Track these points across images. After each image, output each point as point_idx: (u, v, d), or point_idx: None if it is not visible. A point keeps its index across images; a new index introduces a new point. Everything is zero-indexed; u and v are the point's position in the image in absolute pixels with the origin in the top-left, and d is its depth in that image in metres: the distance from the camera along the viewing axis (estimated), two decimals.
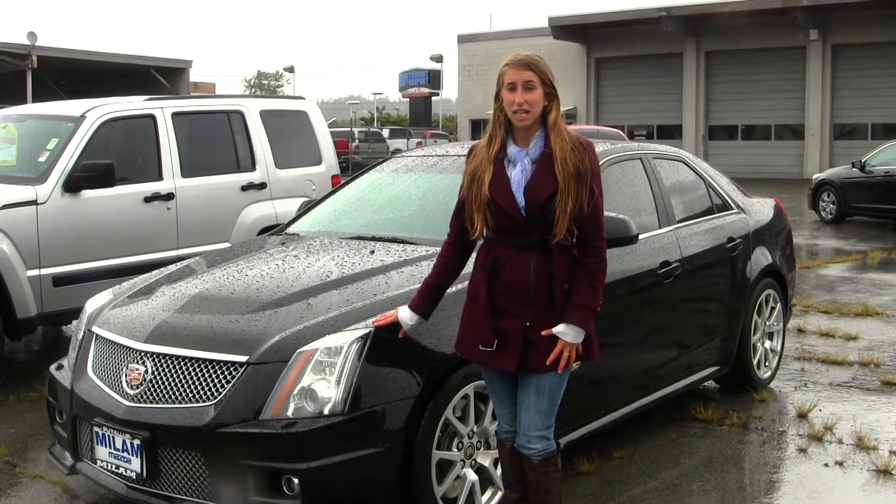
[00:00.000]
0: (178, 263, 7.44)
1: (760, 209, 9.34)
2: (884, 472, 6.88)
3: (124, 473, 5.63)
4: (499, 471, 5.88)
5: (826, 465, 7.08)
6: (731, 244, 8.40)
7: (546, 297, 4.84)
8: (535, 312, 4.84)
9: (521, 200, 4.81)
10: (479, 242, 5.07)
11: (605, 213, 6.59)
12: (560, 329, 4.81)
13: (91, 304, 6.64)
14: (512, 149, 4.91)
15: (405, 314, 5.23)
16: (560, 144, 4.81)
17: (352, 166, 43.07)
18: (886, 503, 6.48)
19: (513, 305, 4.86)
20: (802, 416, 8.10)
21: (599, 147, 7.69)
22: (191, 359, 5.51)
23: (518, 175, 4.84)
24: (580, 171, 4.77)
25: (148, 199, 10.44)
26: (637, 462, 7.14)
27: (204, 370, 5.45)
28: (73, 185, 9.70)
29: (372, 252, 6.53)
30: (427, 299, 5.23)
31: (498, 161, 4.90)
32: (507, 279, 4.87)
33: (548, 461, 5.06)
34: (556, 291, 4.84)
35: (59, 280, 9.54)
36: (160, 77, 50.48)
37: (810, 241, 21.68)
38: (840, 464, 7.07)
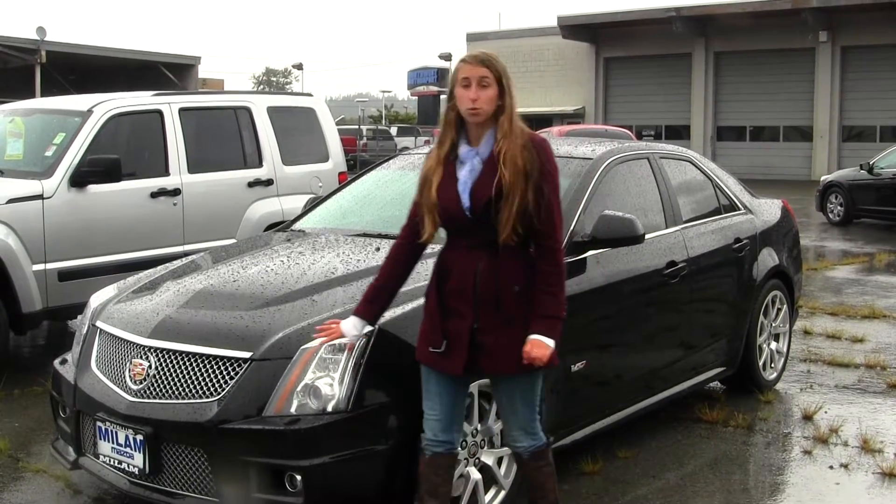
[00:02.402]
0: (183, 259, 7.42)
1: (768, 210, 9.31)
2: (889, 475, 6.86)
3: (127, 469, 5.63)
4: (503, 469, 5.88)
5: (831, 467, 7.06)
6: (737, 245, 8.38)
7: (494, 299, 4.78)
8: (483, 314, 4.79)
9: (465, 201, 4.77)
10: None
11: (612, 213, 6.63)
12: (536, 338, 4.74)
13: (95, 299, 6.64)
14: (463, 149, 4.87)
15: (349, 325, 5.11)
16: (509, 143, 4.76)
17: (359, 164, 43.10)
18: None
19: (460, 306, 4.82)
20: (808, 417, 8.08)
21: (606, 146, 7.69)
22: (194, 354, 5.50)
23: (466, 175, 4.81)
24: (528, 170, 4.72)
25: (154, 195, 10.44)
26: (641, 462, 7.12)
27: (207, 366, 5.44)
28: (79, 179, 9.70)
29: (377, 249, 6.51)
30: (374, 303, 5.13)
31: (448, 162, 4.87)
32: (455, 280, 4.84)
33: (537, 455, 5.05)
34: (505, 293, 4.78)
35: (64, 275, 9.54)
36: (169, 73, 50.46)
37: (818, 242, 21.64)
38: (845, 466, 7.06)
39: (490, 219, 4.72)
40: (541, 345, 4.73)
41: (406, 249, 5.11)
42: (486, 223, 4.74)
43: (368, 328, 5.16)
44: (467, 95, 4.76)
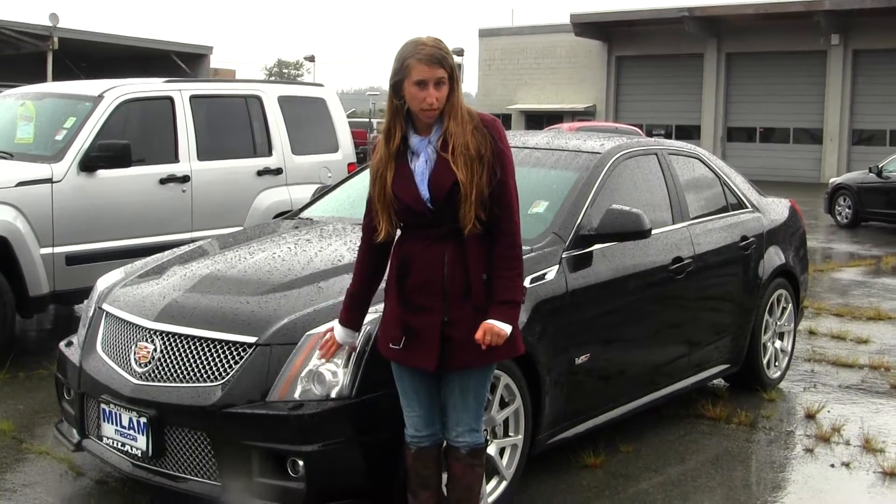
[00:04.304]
0: (191, 244, 7.44)
1: (775, 209, 9.31)
2: (890, 475, 6.86)
3: (130, 451, 5.64)
4: (504, 460, 5.89)
5: (832, 465, 7.06)
6: (744, 243, 8.38)
7: (463, 289, 4.68)
8: (453, 306, 4.69)
9: (425, 193, 4.66)
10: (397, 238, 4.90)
11: (619, 207, 6.65)
12: (489, 323, 4.64)
13: (102, 282, 6.65)
14: (413, 139, 4.73)
15: (342, 335, 5.10)
16: (459, 128, 4.63)
17: (369, 157, 43.03)
18: None
19: (428, 300, 4.71)
20: (810, 416, 8.08)
21: (614, 141, 7.69)
22: (200, 338, 5.51)
23: (422, 166, 4.69)
24: (481, 153, 4.62)
25: (163, 181, 10.46)
26: (644, 457, 7.13)
27: (212, 350, 5.46)
28: (89, 164, 9.72)
29: None
30: (354, 311, 5.08)
31: (400, 155, 4.74)
32: (420, 273, 4.73)
33: (475, 453, 4.96)
34: (473, 282, 4.69)
35: (72, 259, 9.57)
36: (180, 62, 50.39)
37: (825, 244, 21.62)
38: (847, 465, 7.06)
39: (452, 208, 4.62)
40: (494, 329, 4.62)
41: (369, 250, 4.99)
42: (449, 213, 4.64)
43: (354, 334, 5.13)
44: (423, 96, 4.59)
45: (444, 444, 5.03)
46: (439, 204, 4.65)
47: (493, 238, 4.71)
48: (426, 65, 4.58)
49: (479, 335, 4.62)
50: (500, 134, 4.74)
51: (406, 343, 4.77)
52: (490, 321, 4.63)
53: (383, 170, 4.74)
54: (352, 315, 5.08)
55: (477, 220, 4.62)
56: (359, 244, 5.06)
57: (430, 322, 4.71)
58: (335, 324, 5.13)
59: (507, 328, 4.65)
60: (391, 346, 4.82)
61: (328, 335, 5.14)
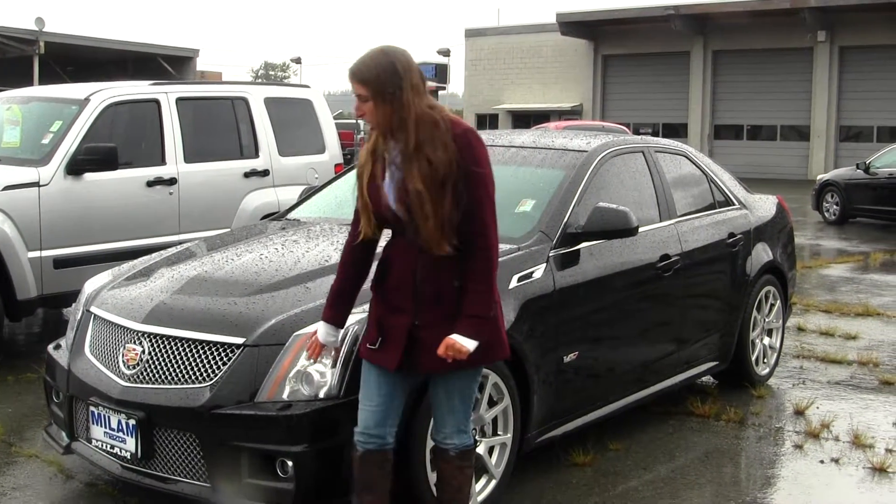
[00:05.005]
0: (178, 246, 7.43)
1: (762, 206, 9.33)
2: (879, 470, 6.88)
3: (119, 453, 5.64)
4: (493, 458, 5.90)
5: (822, 461, 7.08)
6: (731, 240, 8.39)
7: (433, 295, 4.62)
8: (423, 310, 4.63)
9: (391, 202, 4.60)
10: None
11: (606, 205, 6.66)
12: (451, 339, 4.56)
13: (90, 285, 6.65)
14: (391, 144, 4.60)
15: (324, 333, 4.99)
16: (419, 143, 4.48)
17: (356, 158, 43.04)
18: (881, 500, 6.47)
19: (401, 302, 4.66)
20: (800, 413, 8.10)
21: (601, 139, 7.70)
22: (188, 340, 5.51)
23: (393, 173, 4.59)
24: (443, 175, 4.46)
25: (150, 184, 10.45)
26: (633, 455, 7.13)
27: (200, 351, 5.46)
28: (75, 167, 9.71)
29: None
30: (338, 308, 4.97)
31: (379, 157, 4.65)
32: (395, 276, 4.69)
33: (464, 455, 4.93)
34: (444, 289, 4.62)
35: (59, 262, 9.55)
36: (167, 65, 50.40)
37: (813, 241, 21.67)
38: (836, 461, 7.08)
39: (412, 222, 4.55)
40: (456, 346, 4.53)
41: (357, 249, 4.91)
42: (412, 225, 4.56)
43: (338, 331, 5.05)
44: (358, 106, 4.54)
45: (434, 445, 5.03)
46: (402, 215, 4.59)
47: (468, 253, 4.59)
48: (350, 79, 4.53)
49: (440, 350, 4.56)
50: (476, 156, 4.58)
51: (380, 343, 4.73)
52: (453, 336, 4.55)
53: (362, 170, 4.70)
54: (334, 311, 4.98)
55: (444, 239, 4.52)
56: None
57: (400, 323, 4.66)
58: (319, 323, 5.07)
59: (470, 344, 4.56)
60: (368, 345, 4.79)
61: (314, 337, 5.10)
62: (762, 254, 8.82)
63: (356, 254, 4.94)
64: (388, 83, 4.45)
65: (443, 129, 4.52)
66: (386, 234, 4.87)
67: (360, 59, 4.52)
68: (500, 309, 4.81)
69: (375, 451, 4.84)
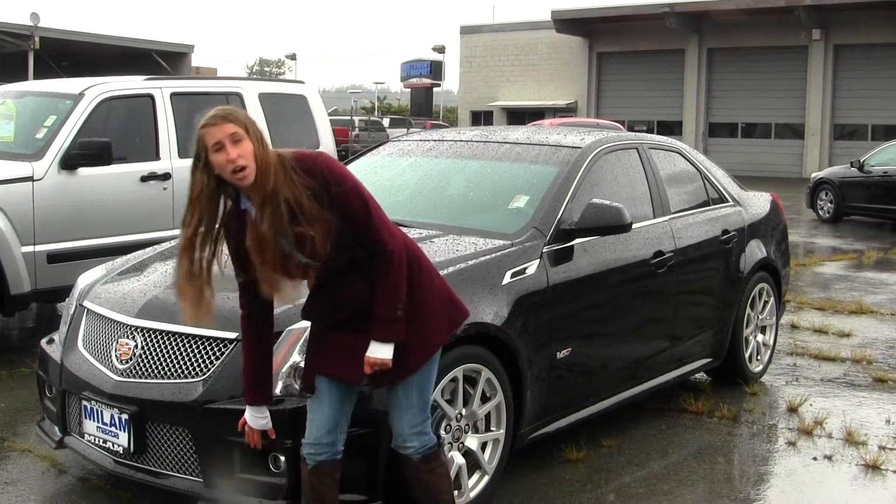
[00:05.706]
0: (172, 241, 7.42)
1: (756, 203, 9.34)
2: (872, 467, 6.89)
3: (111, 448, 5.64)
4: (486, 454, 5.90)
5: (815, 458, 7.09)
6: (725, 236, 8.40)
7: (361, 306, 4.64)
8: (356, 321, 4.66)
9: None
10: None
11: (600, 201, 6.67)
12: (367, 356, 4.62)
13: (83, 280, 6.64)
14: (246, 203, 4.52)
15: (253, 418, 4.92)
16: (272, 189, 4.41)
17: (350, 155, 43.05)
18: (874, 497, 6.49)
19: (336, 319, 4.71)
20: (793, 410, 8.10)
21: (595, 135, 7.70)
22: (180, 334, 5.51)
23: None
24: (305, 210, 4.41)
25: (144, 179, 10.45)
26: (626, 451, 7.14)
27: (193, 346, 5.46)
28: (69, 162, 9.72)
29: None
30: (258, 388, 4.88)
31: (240, 222, 4.53)
32: (322, 299, 4.71)
33: (428, 458, 4.92)
34: (366, 299, 4.64)
35: (53, 257, 9.55)
36: (162, 61, 50.31)
37: (807, 239, 21.68)
38: (829, 458, 7.09)
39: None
40: (370, 360, 4.62)
41: (255, 322, 4.84)
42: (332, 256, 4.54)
43: (267, 411, 4.95)
44: (225, 158, 4.33)
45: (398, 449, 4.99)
46: (309, 254, 4.50)
47: (372, 260, 4.63)
48: (214, 126, 4.35)
49: (366, 370, 4.63)
50: (329, 171, 4.58)
51: (331, 361, 4.76)
52: (369, 351, 4.62)
53: (242, 244, 4.54)
54: (255, 393, 4.90)
55: (344, 261, 4.58)
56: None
57: (343, 339, 4.73)
58: (246, 409, 4.96)
59: (384, 350, 4.62)
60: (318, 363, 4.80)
61: (247, 426, 4.98)
62: (756, 251, 8.82)
63: (257, 326, 4.85)
64: (251, 124, 4.48)
65: (285, 170, 4.51)
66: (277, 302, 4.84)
67: (215, 110, 4.44)
68: (441, 280, 4.94)
69: (327, 462, 4.83)
